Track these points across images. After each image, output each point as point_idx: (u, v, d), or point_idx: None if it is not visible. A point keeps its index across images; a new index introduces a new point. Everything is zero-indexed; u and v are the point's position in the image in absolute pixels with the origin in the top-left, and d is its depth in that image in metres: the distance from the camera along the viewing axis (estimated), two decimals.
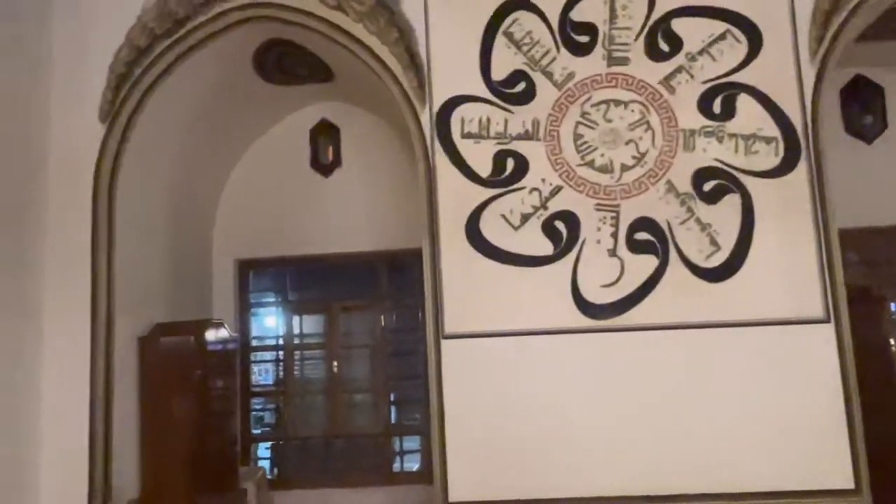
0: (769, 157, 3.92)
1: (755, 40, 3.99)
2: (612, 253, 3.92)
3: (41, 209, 4.04)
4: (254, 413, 5.80)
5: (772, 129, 3.93)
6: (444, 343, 3.96)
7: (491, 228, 3.99)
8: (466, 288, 3.98)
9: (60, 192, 4.10)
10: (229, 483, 4.81)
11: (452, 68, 4.09)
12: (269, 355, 5.84)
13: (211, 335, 4.67)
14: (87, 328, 4.00)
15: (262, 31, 4.45)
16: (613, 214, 3.94)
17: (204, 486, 4.33)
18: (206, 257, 5.50)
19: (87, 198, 4.09)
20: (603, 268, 3.92)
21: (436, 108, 4.08)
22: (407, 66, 4.08)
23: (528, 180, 4.01)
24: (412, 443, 5.86)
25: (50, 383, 3.95)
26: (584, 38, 4.06)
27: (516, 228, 3.98)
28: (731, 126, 3.95)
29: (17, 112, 3.90)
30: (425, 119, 4.09)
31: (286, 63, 4.85)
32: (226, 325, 4.99)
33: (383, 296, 5.78)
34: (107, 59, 4.14)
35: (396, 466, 5.69)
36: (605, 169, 3.97)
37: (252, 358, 5.77)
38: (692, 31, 4.03)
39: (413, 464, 5.82)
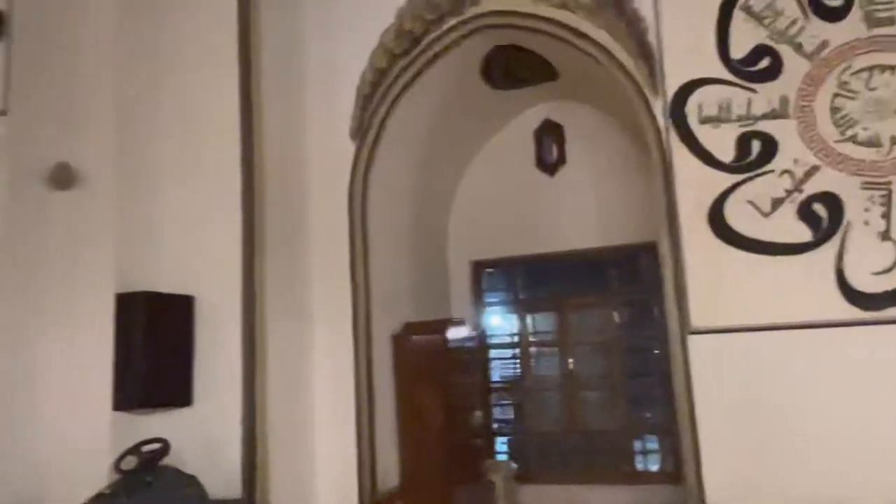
0: None
1: None
2: (885, 236, 3.51)
3: (306, 223, 4.51)
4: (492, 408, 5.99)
5: None
6: (691, 339, 3.79)
7: (737, 216, 3.75)
8: (713, 280, 3.78)
9: (320, 207, 4.55)
10: (477, 475, 5.04)
11: (686, 52, 3.91)
12: (504, 353, 6.00)
13: (453, 333, 4.93)
14: (350, 328, 4.40)
15: (488, 40, 4.62)
16: (884, 193, 3.52)
17: (457, 477, 4.58)
18: (444, 259, 5.80)
19: (344, 210, 4.51)
20: (873, 253, 3.52)
21: (669, 96, 3.93)
22: (637, 55, 3.99)
23: (778, 162, 3.72)
24: (650, 441, 5.72)
25: (321, 379, 4.39)
26: (836, 2, 3.69)
27: (767, 215, 3.71)
28: None
29: (283, 136, 4.37)
30: (658, 108, 3.96)
31: (511, 68, 4.98)
32: (466, 324, 5.23)
33: (614, 291, 5.70)
34: (354, 82, 4.54)
35: (638, 465, 5.57)
36: (872, 143, 3.56)
37: (489, 355, 5.96)
38: None
39: (652, 462, 5.68)
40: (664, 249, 3.95)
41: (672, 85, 3.93)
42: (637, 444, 5.63)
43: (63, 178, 3.85)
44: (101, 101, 3.94)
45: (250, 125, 4.07)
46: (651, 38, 3.98)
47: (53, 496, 3.56)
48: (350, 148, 4.56)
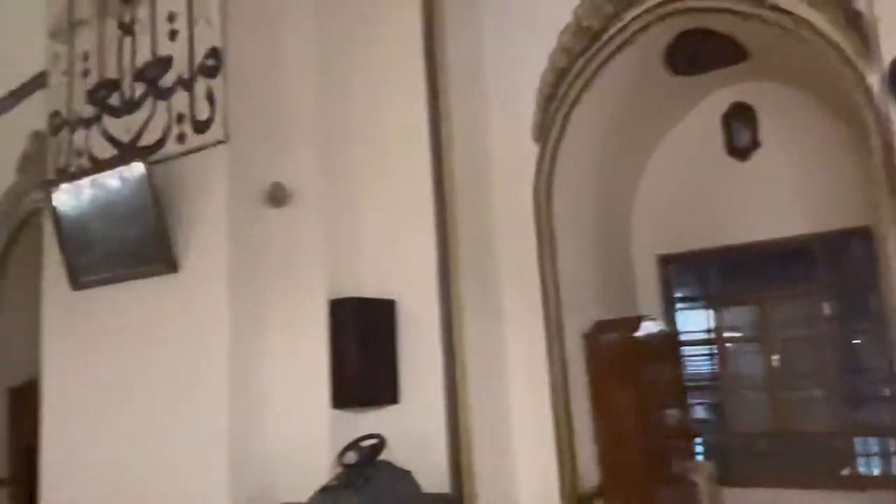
0: None
1: None
2: None
3: (494, 225, 4.59)
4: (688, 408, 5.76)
5: None
6: None
7: None
8: None
9: (507, 209, 4.60)
10: (676, 476, 4.88)
11: None
12: (698, 349, 5.74)
13: (645, 330, 4.82)
14: (541, 327, 4.42)
15: (672, 27, 4.45)
16: None
17: (657, 477, 4.47)
18: (628, 255, 5.67)
19: (529, 211, 4.52)
20: None
21: (886, 67, 3.57)
22: (845, 26, 3.66)
23: None
24: (869, 442, 5.24)
25: (516, 378, 4.46)
26: None
27: None
28: None
29: (468, 144, 4.48)
30: (874, 81, 3.61)
31: (696, 52, 4.76)
32: (657, 321, 5.08)
33: (822, 281, 5.27)
34: (534, 84, 4.55)
35: (858, 469, 5.13)
36: None
37: (681, 352, 5.74)
38: None
39: (873, 466, 5.21)
40: (887, 233, 3.60)
41: (889, 54, 3.57)
42: (855, 446, 5.18)
43: (278, 196, 4.24)
44: (308, 125, 4.29)
45: (438, 136, 4.24)
46: (861, 4, 3.64)
47: (284, 488, 3.92)
48: (533, 149, 4.58)
